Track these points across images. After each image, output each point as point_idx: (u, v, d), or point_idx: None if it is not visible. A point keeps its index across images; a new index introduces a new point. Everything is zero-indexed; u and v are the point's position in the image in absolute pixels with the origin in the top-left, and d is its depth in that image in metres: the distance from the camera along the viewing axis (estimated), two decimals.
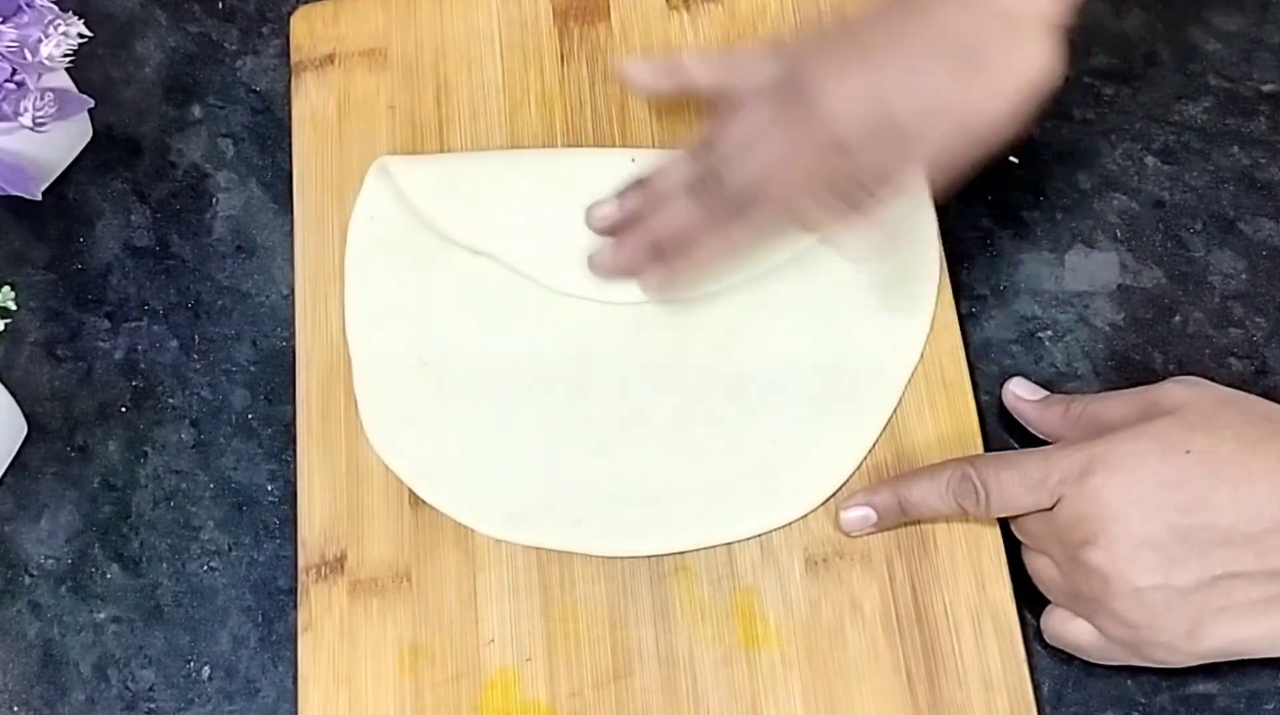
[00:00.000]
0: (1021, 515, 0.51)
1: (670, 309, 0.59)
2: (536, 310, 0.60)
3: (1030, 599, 0.53)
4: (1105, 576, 0.48)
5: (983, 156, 0.52)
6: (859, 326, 0.58)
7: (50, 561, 0.62)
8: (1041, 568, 0.51)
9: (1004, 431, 0.57)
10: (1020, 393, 0.56)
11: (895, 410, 0.57)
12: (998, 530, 0.55)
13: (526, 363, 0.59)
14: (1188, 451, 0.48)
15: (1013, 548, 0.55)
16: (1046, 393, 0.56)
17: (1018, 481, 0.50)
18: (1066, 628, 0.51)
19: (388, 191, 0.63)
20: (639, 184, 0.59)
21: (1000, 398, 0.57)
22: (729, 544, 0.56)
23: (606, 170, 0.60)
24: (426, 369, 0.60)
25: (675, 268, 0.57)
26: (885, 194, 0.52)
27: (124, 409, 0.64)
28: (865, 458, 0.56)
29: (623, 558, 0.56)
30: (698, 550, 0.56)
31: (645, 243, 0.58)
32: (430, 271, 0.62)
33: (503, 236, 0.61)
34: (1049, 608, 0.52)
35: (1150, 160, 0.61)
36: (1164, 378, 0.56)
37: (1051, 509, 0.49)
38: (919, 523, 0.54)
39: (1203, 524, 0.47)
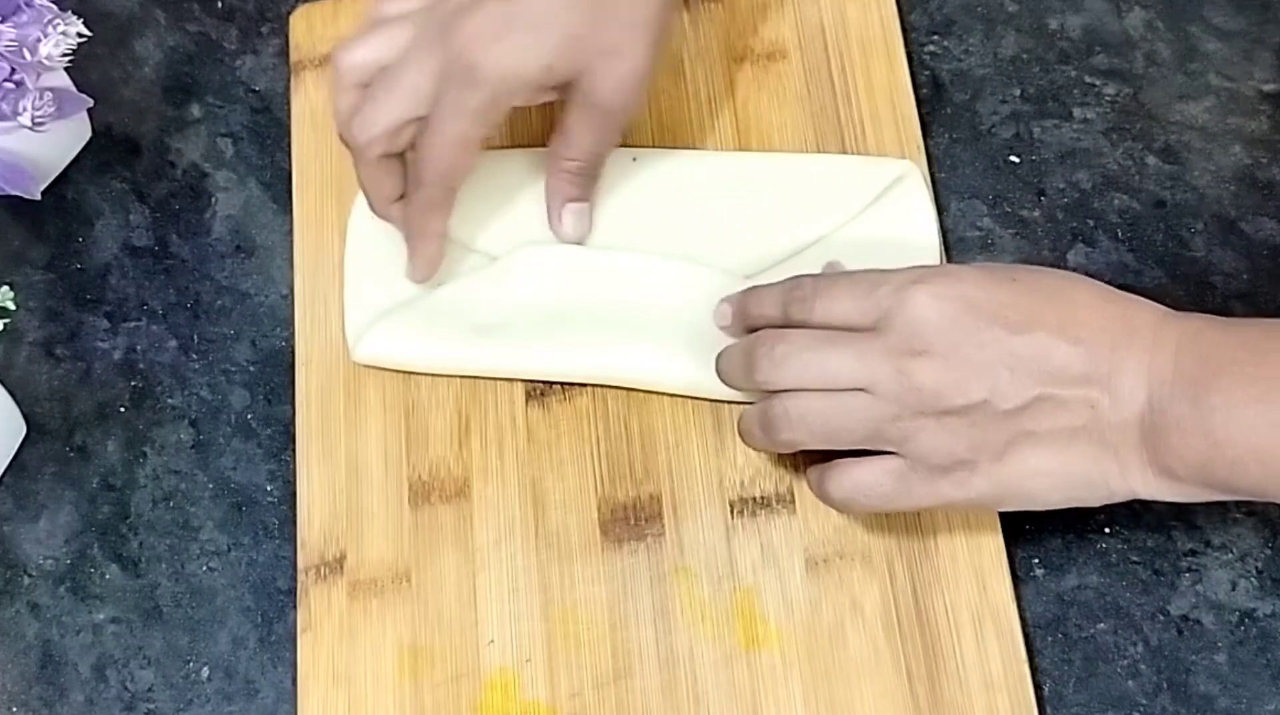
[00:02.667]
0: (844, 331, 0.50)
1: (666, 276, 0.59)
2: (540, 262, 0.61)
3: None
4: (936, 391, 0.47)
5: None
6: None
7: (49, 562, 0.62)
8: (849, 404, 0.49)
9: None
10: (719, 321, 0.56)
11: None
12: (999, 532, 0.55)
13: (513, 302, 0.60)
14: (1014, 280, 0.48)
15: (1011, 549, 0.55)
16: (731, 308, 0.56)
17: (847, 289, 0.50)
18: (853, 473, 0.50)
19: None
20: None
21: None
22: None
23: (609, 168, 0.60)
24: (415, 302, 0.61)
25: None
26: None
27: (123, 409, 0.64)
28: None
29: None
30: (698, 545, 0.56)
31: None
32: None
33: (500, 235, 0.61)
34: (823, 466, 0.51)
35: (1151, 160, 0.61)
36: None
37: (875, 329, 0.49)
38: (755, 329, 0.54)
39: (1032, 344, 0.47)
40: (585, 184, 0.59)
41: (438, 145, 0.54)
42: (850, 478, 0.51)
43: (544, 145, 0.60)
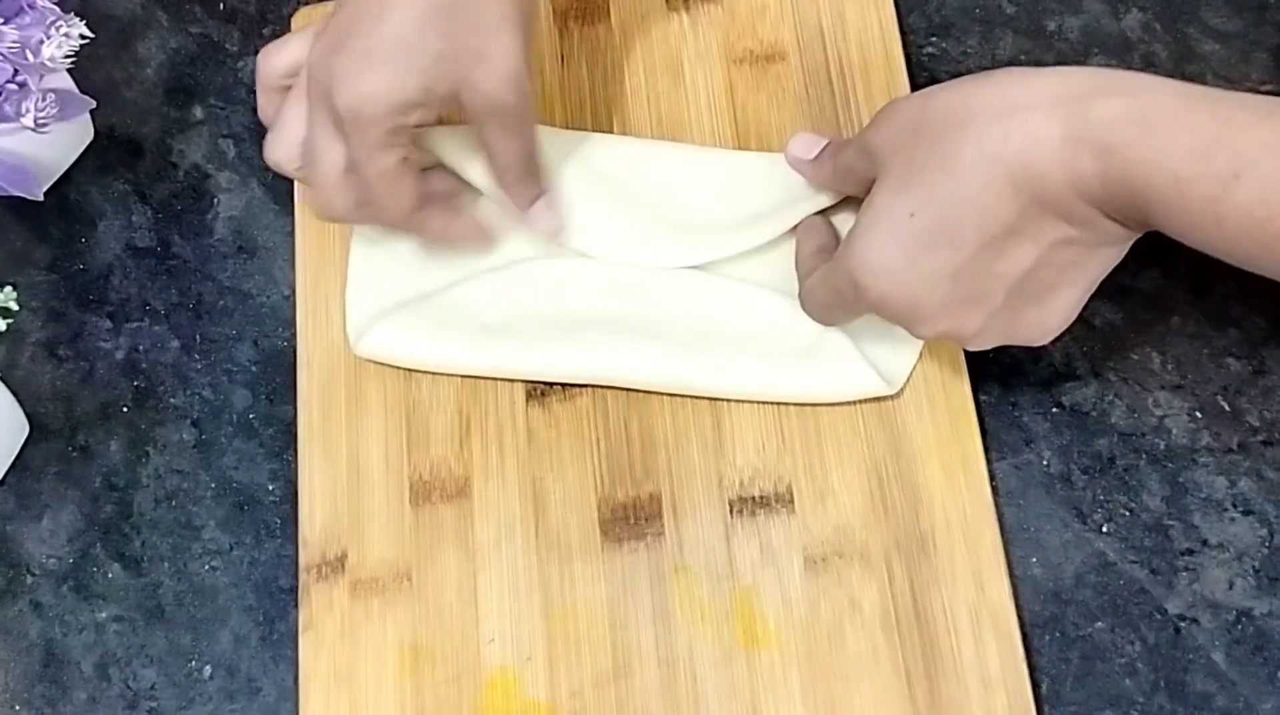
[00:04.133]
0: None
1: (670, 285, 0.60)
2: (546, 273, 0.61)
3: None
4: (948, 337, 0.51)
5: None
6: (857, 327, 0.58)
7: (52, 561, 0.62)
8: None
9: (1002, 431, 0.57)
10: (799, 152, 0.58)
11: (896, 399, 0.57)
12: (997, 530, 0.55)
13: (523, 303, 0.61)
14: (912, 215, 0.48)
15: (1009, 548, 0.55)
16: (821, 144, 0.57)
17: (828, 304, 0.55)
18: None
19: None
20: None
21: (998, 397, 0.58)
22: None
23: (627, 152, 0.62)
24: (423, 300, 0.61)
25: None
26: None
27: (125, 409, 0.64)
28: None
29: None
30: (697, 544, 0.56)
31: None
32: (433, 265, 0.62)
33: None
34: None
35: None
36: (1161, 376, 0.57)
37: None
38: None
39: (963, 251, 0.47)
40: (530, 182, 0.59)
41: (372, 185, 0.55)
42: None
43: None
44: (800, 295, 0.56)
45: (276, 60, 0.57)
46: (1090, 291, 0.50)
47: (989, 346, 0.52)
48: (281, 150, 0.57)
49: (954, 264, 0.48)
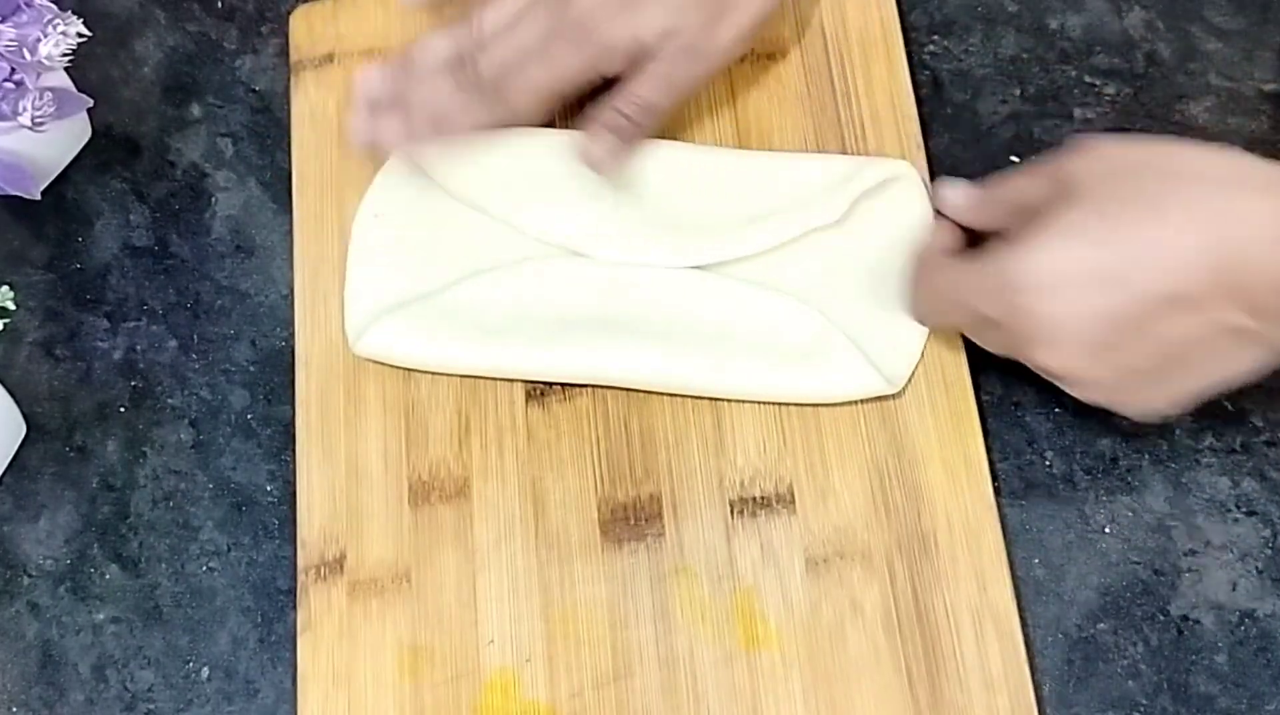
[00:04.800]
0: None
1: (670, 284, 0.60)
2: (547, 273, 0.61)
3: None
4: (1063, 376, 0.49)
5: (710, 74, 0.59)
6: (859, 326, 0.58)
7: (49, 562, 0.62)
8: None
9: (1004, 431, 0.57)
10: (953, 198, 0.57)
11: (897, 399, 0.57)
12: (999, 531, 0.55)
13: (524, 306, 0.61)
14: (1101, 244, 0.47)
15: (1011, 549, 0.55)
16: (974, 190, 0.56)
17: (953, 300, 0.53)
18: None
19: (400, 178, 0.63)
20: (402, 60, 0.61)
21: (1001, 397, 0.57)
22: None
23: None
24: (422, 301, 0.61)
25: (424, 140, 0.61)
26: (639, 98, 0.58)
27: (123, 409, 0.64)
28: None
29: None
30: (698, 537, 0.56)
31: (402, 120, 0.60)
32: (434, 262, 0.62)
33: (515, 200, 0.62)
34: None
35: None
36: None
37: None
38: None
39: (1135, 301, 0.47)
40: (634, 129, 0.59)
41: (522, 80, 0.58)
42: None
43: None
44: (916, 288, 0.56)
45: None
46: (1222, 386, 0.49)
47: (1093, 401, 0.51)
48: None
49: (1119, 307, 0.47)
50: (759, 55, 0.64)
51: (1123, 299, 0.46)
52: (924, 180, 0.60)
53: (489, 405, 0.60)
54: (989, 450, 0.56)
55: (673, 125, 0.63)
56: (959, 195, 0.57)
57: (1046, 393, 0.57)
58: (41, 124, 0.62)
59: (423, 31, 0.67)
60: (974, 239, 0.56)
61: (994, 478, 0.56)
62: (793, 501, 0.56)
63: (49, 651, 0.60)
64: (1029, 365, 0.51)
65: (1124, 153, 0.49)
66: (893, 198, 0.60)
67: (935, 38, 0.64)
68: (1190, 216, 0.46)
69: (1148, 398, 0.50)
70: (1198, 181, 0.47)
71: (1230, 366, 0.48)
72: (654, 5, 0.56)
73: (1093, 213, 0.48)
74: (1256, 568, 0.54)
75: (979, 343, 0.53)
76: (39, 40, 0.61)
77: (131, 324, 0.65)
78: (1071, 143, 0.51)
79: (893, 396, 0.57)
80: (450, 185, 0.62)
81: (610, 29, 0.56)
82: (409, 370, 0.61)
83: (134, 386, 0.64)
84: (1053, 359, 0.49)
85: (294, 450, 0.61)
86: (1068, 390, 0.51)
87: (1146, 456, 0.56)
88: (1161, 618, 0.54)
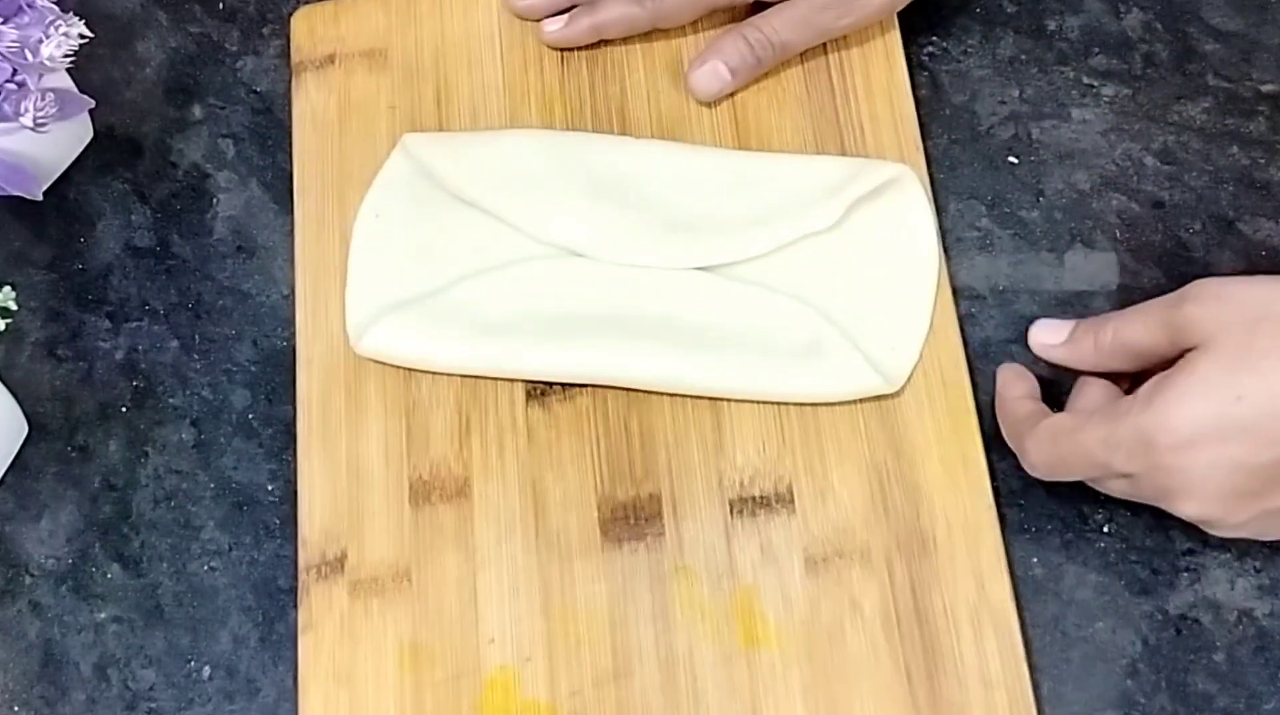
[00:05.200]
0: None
1: (670, 284, 0.60)
2: (548, 273, 0.61)
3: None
4: (1204, 523, 0.50)
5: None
6: (858, 325, 0.58)
7: (51, 561, 0.62)
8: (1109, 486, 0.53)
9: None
10: (1046, 339, 0.57)
11: (897, 399, 0.57)
12: (998, 530, 0.55)
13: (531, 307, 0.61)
14: (1239, 398, 0.47)
15: (1010, 549, 0.55)
16: (1070, 327, 0.56)
17: (1083, 457, 0.51)
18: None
19: (400, 178, 0.63)
20: None
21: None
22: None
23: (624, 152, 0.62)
24: (422, 301, 0.61)
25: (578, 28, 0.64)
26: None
27: (124, 409, 0.64)
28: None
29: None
30: (699, 537, 0.56)
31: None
32: (437, 259, 0.62)
33: (515, 200, 0.62)
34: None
35: (1150, 160, 0.61)
36: None
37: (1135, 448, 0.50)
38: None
39: (1268, 461, 0.47)
40: (753, 62, 0.61)
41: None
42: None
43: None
44: (1034, 452, 0.53)
45: None
46: None
47: (1233, 536, 0.52)
48: None
49: (1260, 460, 0.47)
50: None
51: (1262, 450, 0.47)
52: (923, 182, 0.60)
53: (489, 405, 0.60)
54: (988, 450, 0.56)
55: (672, 125, 0.63)
56: (1053, 335, 0.56)
57: (1046, 392, 0.57)
58: (43, 125, 0.62)
59: (424, 34, 0.67)
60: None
61: (993, 477, 0.56)
62: (792, 501, 0.57)
63: (50, 651, 0.60)
64: (1165, 509, 0.51)
65: (1251, 295, 0.49)
66: (892, 199, 0.60)
67: (934, 38, 0.64)
68: None
69: None
70: None
71: None
72: None
73: (1229, 364, 0.48)
74: (1254, 567, 0.54)
75: (1103, 491, 0.53)
76: (41, 41, 0.61)
77: (133, 324, 0.66)
78: (1192, 288, 0.50)
79: (892, 396, 0.57)
80: (451, 184, 0.62)
81: None
82: (410, 370, 0.61)
83: (136, 386, 0.64)
84: (1192, 508, 0.49)
85: (295, 450, 0.61)
86: (1208, 531, 0.51)
87: None
88: (1160, 617, 0.54)
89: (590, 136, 0.63)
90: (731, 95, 0.63)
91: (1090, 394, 0.55)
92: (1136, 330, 0.53)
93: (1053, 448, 0.52)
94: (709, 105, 0.63)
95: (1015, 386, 0.56)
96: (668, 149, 0.62)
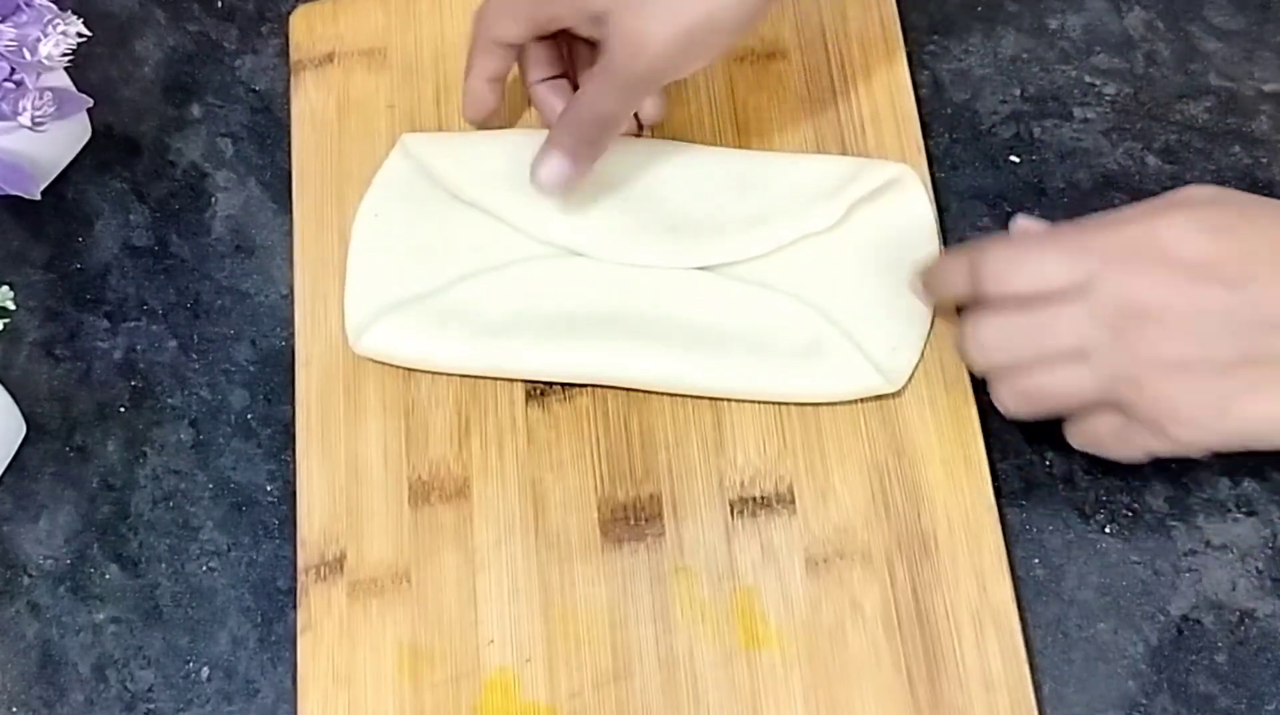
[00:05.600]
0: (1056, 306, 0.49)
1: (670, 284, 0.60)
2: (548, 273, 0.61)
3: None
4: (1152, 355, 0.47)
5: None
6: (859, 325, 0.58)
7: (49, 562, 0.62)
8: (1066, 377, 0.50)
9: (1004, 431, 0.57)
10: (1029, 226, 0.54)
11: (898, 398, 0.57)
12: (999, 531, 0.55)
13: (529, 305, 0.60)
14: (1230, 232, 0.47)
15: (1011, 549, 0.55)
16: (1050, 225, 0.54)
17: (1040, 259, 0.49)
18: (1090, 422, 0.51)
19: (400, 177, 0.63)
20: None
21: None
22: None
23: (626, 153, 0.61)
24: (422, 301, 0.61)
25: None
26: None
27: (123, 409, 0.64)
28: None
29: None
30: (699, 543, 0.56)
31: None
32: (437, 258, 0.62)
33: (515, 200, 0.61)
34: (1070, 421, 0.52)
35: (1151, 160, 0.61)
36: None
37: (1080, 292, 0.48)
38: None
39: (1247, 301, 0.46)
40: (584, 141, 0.57)
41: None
42: (1088, 425, 0.51)
43: None
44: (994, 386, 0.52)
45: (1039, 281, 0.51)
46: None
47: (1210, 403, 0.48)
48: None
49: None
50: (759, 55, 0.64)
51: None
52: (924, 181, 0.60)
53: (489, 405, 0.60)
54: (989, 450, 0.56)
55: (673, 123, 0.63)
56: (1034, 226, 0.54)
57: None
58: (41, 124, 0.62)
59: (424, 33, 0.67)
60: None
61: (994, 477, 0.56)
62: (793, 501, 0.56)
63: (49, 651, 0.60)
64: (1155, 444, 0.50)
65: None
66: (893, 198, 0.60)
67: (935, 37, 0.64)
68: None
69: (1192, 424, 0.48)
70: None
71: None
72: None
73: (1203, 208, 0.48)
74: (1256, 567, 0.54)
75: (1082, 438, 0.52)
76: (39, 40, 0.61)
77: (131, 324, 0.65)
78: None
79: (893, 396, 0.57)
80: (450, 184, 0.62)
81: None
82: (409, 370, 0.61)
83: (134, 386, 0.64)
84: (1172, 349, 0.47)
85: (294, 450, 0.61)
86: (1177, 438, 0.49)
87: None
88: (1161, 618, 0.54)
89: None
90: (731, 96, 0.63)
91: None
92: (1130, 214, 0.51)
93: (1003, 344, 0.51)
94: (709, 106, 0.63)
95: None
96: (668, 148, 0.62)
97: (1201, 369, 0.47)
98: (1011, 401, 0.52)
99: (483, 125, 0.62)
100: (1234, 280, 0.46)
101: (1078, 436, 0.52)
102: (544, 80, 0.60)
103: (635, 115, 0.59)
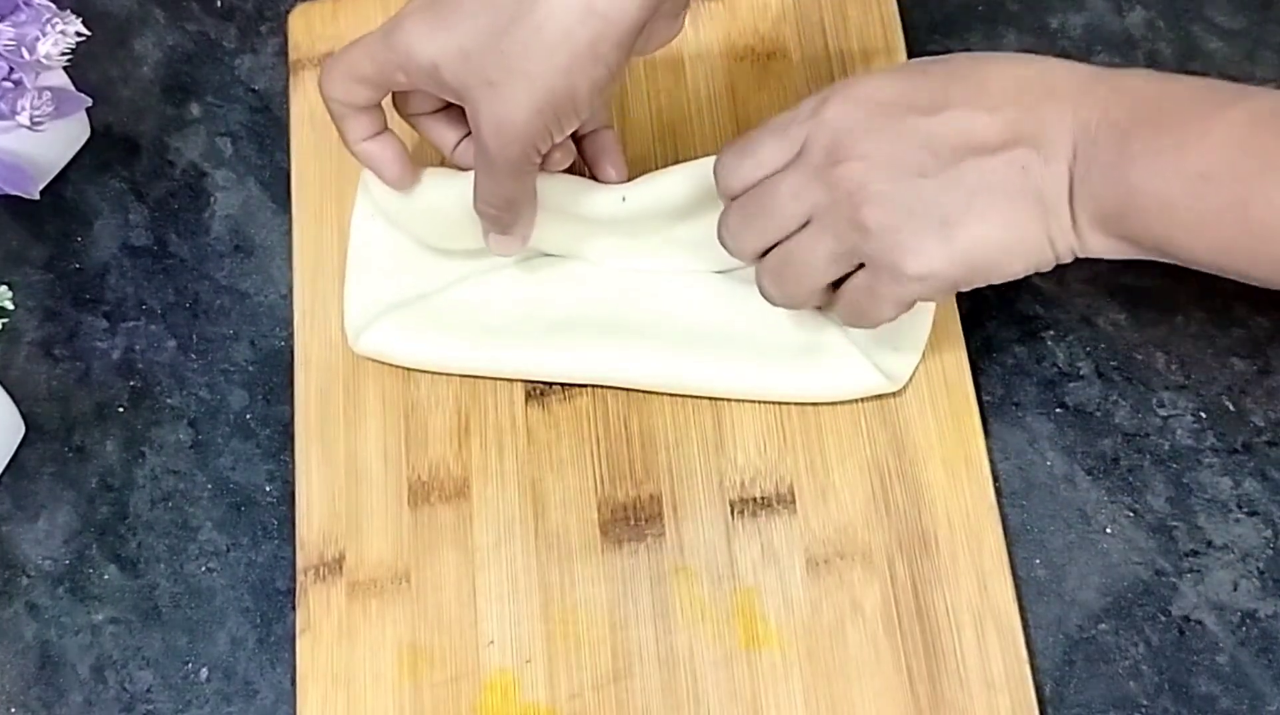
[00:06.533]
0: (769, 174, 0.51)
1: (670, 285, 0.60)
2: (548, 273, 0.61)
3: None
4: (860, 186, 0.47)
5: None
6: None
7: (48, 562, 0.62)
8: (804, 244, 0.50)
9: (1004, 431, 0.57)
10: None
11: (898, 398, 0.57)
12: (1000, 530, 0.55)
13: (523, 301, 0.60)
14: (921, 71, 0.48)
15: (1012, 549, 0.55)
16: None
17: (764, 138, 0.51)
18: (844, 294, 0.51)
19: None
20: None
21: (1001, 397, 0.57)
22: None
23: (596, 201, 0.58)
24: (422, 300, 0.61)
25: None
26: None
27: (121, 409, 0.64)
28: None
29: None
30: (699, 540, 0.56)
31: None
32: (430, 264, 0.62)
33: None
34: (832, 301, 0.52)
35: None
36: (1166, 376, 0.56)
37: (799, 154, 0.50)
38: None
39: (947, 121, 0.47)
40: (499, 220, 0.56)
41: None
42: (836, 307, 0.52)
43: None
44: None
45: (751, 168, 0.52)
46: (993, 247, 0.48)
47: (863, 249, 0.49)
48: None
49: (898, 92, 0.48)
50: (759, 55, 0.64)
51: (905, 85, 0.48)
52: None
53: (489, 405, 0.60)
54: (990, 451, 0.56)
55: (673, 122, 0.63)
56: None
57: (1047, 393, 0.57)
58: (40, 123, 0.62)
59: None
60: None
61: (995, 478, 0.56)
62: (793, 501, 0.56)
63: (48, 652, 0.60)
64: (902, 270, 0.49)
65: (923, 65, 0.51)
66: None
67: (936, 36, 0.64)
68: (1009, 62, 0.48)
69: (909, 248, 0.48)
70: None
71: (1008, 215, 0.47)
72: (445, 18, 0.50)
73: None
74: (1258, 568, 0.54)
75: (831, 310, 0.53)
76: (38, 39, 0.61)
77: (130, 324, 0.65)
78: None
79: (893, 396, 0.57)
80: (416, 234, 0.61)
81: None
82: (409, 370, 0.61)
83: (133, 386, 0.64)
84: (853, 168, 0.48)
85: (293, 450, 0.61)
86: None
87: (1148, 456, 0.56)
88: (1163, 618, 0.54)
89: (593, 185, 0.59)
90: (731, 95, 0.63)
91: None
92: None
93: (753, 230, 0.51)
94: (709, 106, 0.63)
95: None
96: (670, 173, 0.60)
97: (912, 194, 0.47)
98: (771, 287, 0.52)
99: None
100: (929, 108, 0.47)
101: (842, 312, 0.52)
102: (424, 115, 0.56)
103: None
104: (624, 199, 0.57)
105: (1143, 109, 0.45)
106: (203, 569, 0.61)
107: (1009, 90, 0.47)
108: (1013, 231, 0.47)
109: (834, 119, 0.48)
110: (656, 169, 0.62)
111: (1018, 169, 0.47)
